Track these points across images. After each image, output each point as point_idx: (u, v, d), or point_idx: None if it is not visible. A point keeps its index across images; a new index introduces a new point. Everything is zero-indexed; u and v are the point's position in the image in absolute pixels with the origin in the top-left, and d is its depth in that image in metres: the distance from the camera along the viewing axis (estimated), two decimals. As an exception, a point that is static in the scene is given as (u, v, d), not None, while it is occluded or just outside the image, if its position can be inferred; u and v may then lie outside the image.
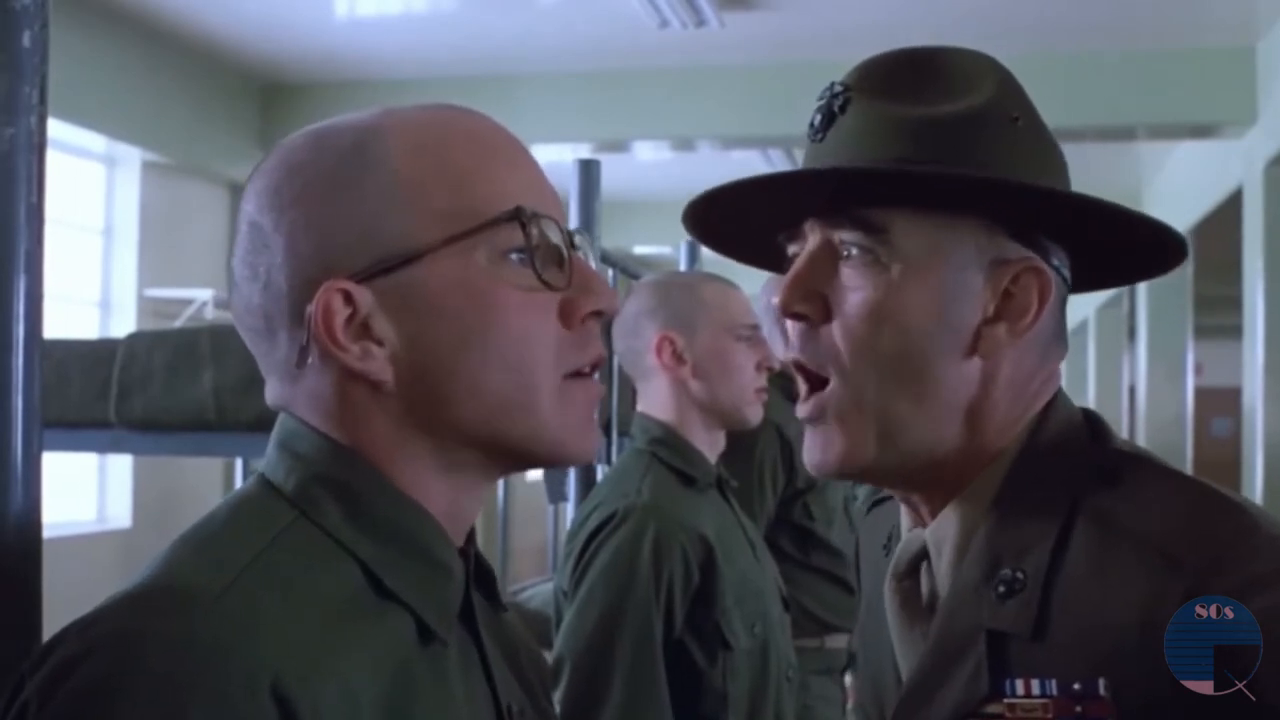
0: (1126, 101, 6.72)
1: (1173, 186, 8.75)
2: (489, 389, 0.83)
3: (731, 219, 1.05)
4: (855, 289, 0.94)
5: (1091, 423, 0.98)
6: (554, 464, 0.91)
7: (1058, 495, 0.92)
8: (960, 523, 0.96)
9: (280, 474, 0.85)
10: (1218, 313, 10.38)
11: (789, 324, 0.99)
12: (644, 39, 6.45)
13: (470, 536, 0.91)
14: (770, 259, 1.05)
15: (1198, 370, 9.56)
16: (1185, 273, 8.93)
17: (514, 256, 0.84)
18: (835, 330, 0.95)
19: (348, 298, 0.82)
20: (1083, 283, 1.03)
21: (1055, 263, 0.97)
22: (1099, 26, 6.29)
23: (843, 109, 0.97)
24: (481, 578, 0.93)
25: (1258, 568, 0.81)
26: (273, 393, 0.88)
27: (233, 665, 0.71)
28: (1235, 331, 7.18)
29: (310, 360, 0.83)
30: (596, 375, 0.90)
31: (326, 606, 0.78)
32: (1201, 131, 7.04)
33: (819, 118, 0.98)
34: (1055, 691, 0.86)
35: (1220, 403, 11.71)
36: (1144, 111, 6.80)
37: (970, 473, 0.96)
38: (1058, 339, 0.99)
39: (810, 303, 0.96)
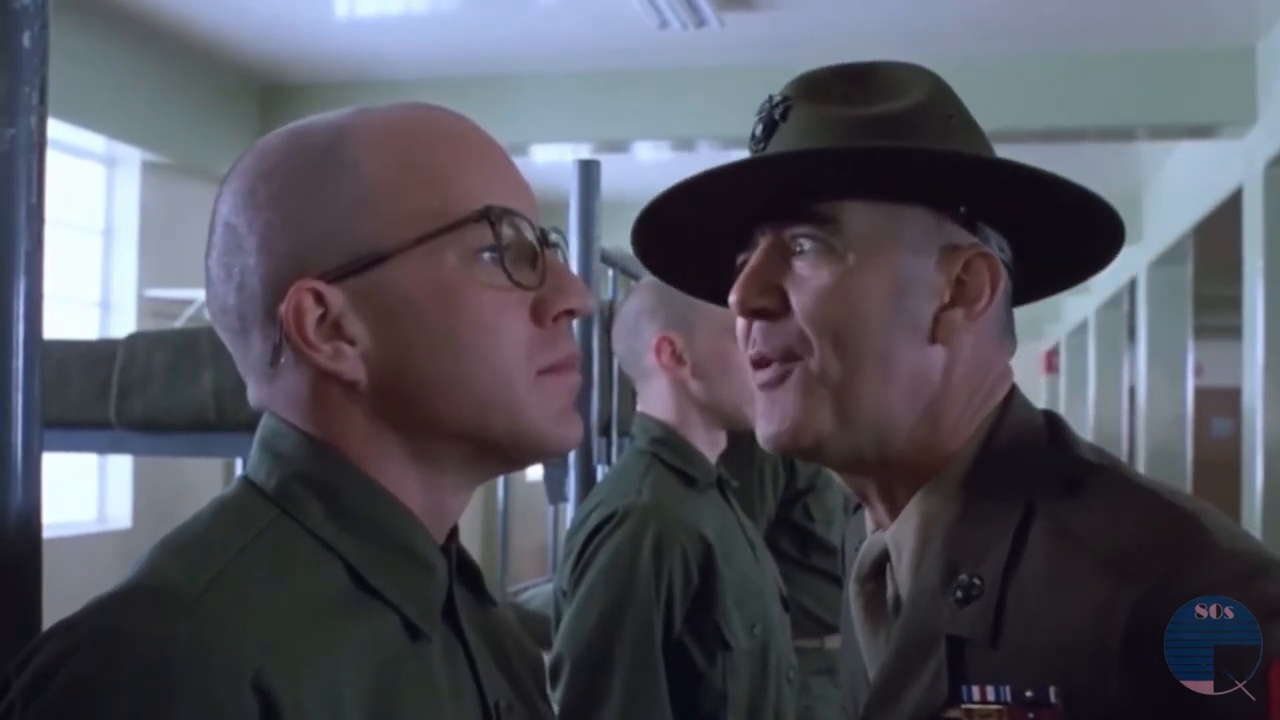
0: (1126, 102, 6.71)
1: (1173, 187, 8.75)
2: (462, 388, 0.83)
3: (680, 236, 1.05)
4: (812, 278, 0.95)
5: (1052, 425, 0.99)
6: (538, 457, 0.90)
7: (1014, 500, 0.92)
8: (919, 525, 0.96)
9: (262, 473, 0.85)
10: (1218, 313, 10.39)
11: (741, 323, 1.00)
12: (644, 39, 6.45)
13: (453, 533, 0.91)
14: (712, 289, 1.05)
15: (1198, 370, 9.57)
16: (1185, 273, 8.94)
17: (485, 256, 0.84)
18: (797, 319, 0.96)
19: (319, 298, 0.82)
20: (1029, 291, 1.04)
21: (1001, 255, 0.98)
22: (1099, 27, 6.29)
23: (784, 117, 0.98)
24: (465, 574, 0.93)
25: (1209, 579, 0.81)
26: (253, 393, 0.88)
27: (215, 663, 0.71)
28: (1235, 332, 7.18)
29: (284, 360, 0.83)
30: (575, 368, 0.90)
31: (308, 604, 0.78)
32: (1201, 132, 7.03)
33: (760, 128, 0.99)
34: (1009, 698, 0.86)
35: (1220, 403, 11.72)
36: (1144, 112, 6.80)
37: (925, 470, 0.97)
38: (1007, 331, 1.01)
39: (768, 296, 0.97)
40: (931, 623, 0.92)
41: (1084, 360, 12.30)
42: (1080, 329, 12.54)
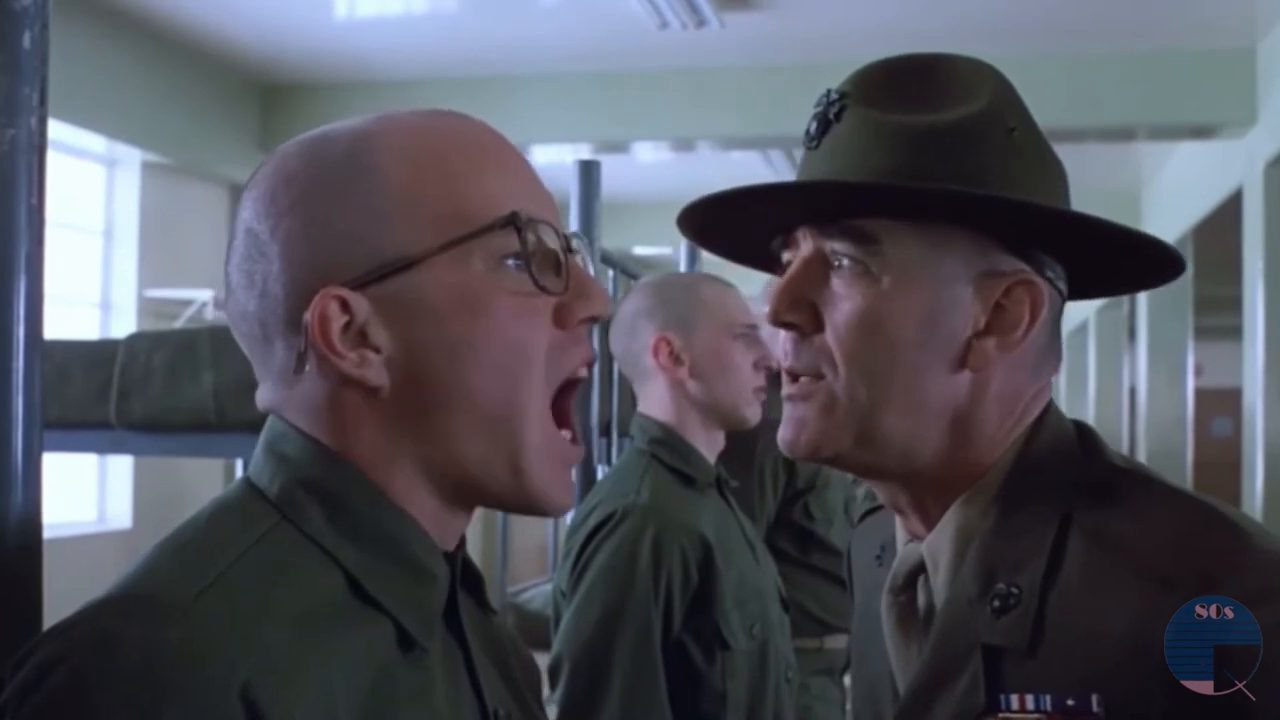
0: (1127, 102, 6.72)
1: (1173, 187, 8.75)
2: (481, 397, 0.83)
3: (727, 223, 1.05)
4: (845, 299, 0.94)
5: (1083, 436, 0.98)
6: (527, 512, 0.89)
7: (1051, 509, 0.92)
8: (955, 536, 0.96)
9: (265, 477, 0.84)
10: (1218, 313, 10.38)
11: (781, 334, 0.99)
12: (644, 40, 6.45)
13: (460, 541, 0.91)
14: (767, 260, 1.04)
15: (1198, 371, 9.56)
16: (1185, 274, 8.93)
17: (510, 262, 0.84)
18: (828, 339, 0.95)
19: (344, 305, 0.82)
20: (1082, 291, 1.02)
21: (1050, 275, 0.96)
22: (1100, 27, 6.29)
23: (838, 116, 0.96)
24: (469, 581, 0.93)
25: (1251, 584, 0.81)
26: (265, 396, 0.88)
27: (204, 669, 0.71)
28: (1235, 332, 7.18)
29: (307, 367, 0.83)
30: (582, 389, 0.90)
31: (304, 612, 0.77)
32: (1202, 132, 7.04)
33: (814, 125, 0.98)
34: (1049, 707, 0.86)
35: (1220, 403, 11.71)
36: (1145, 112, 6.81)
37: (960, 483, 0.96)
38: (1051, 352, 0.99)
39: (799, 311, 0.96)
40: (967, 632, 0.91)
41: (1084, 360, 12.29)
42: (1080, 329, 12.53)
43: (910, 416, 0.94)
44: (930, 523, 0.98)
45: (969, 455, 0.96)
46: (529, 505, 0.88)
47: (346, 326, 0.82)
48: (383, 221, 0.82)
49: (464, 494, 0.87)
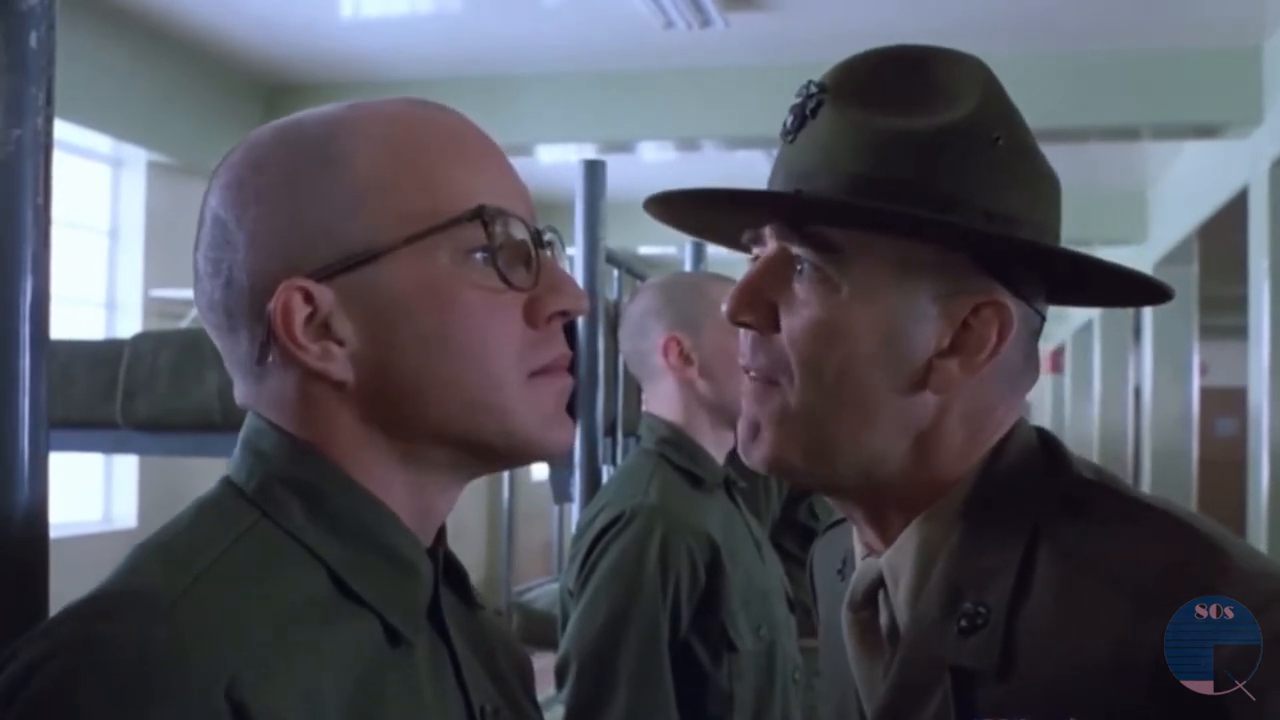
0: (1131, 102, 6.70)
1: (1178, 187, 8.74)
2: (453, 389, 0.82)
3: (699, 213, 1.03)
4: (803, 305, 0.91)
5: (1047, 447, 0.95)
6: (527, 460, 0.89)
7: (1018, 526, 0.88)
8: (918, 551, 0.93)
9: (243, 475, 0.84)
10: (1223, 313, 10.38)
11: (741, 332, 0.97)
12: (649, 39, 6.45)
13: (440, 536, 0.90)
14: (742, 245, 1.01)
15: (1203, 370, 9.56)
16: (1190, 273, 8.94)
17: (478, 256, 0.83)
18: (783, 343, 0.92)
19: (308, 296, 0.81)
20: (1067, 300, 1.00)
21: (1026, 293, 0.92)
22: (1104, 27, 6.28)
23: (814, 112, 0.93)
24: (452, 577, 0.92)
25: (1244, 601, 0.79)
26: (239, 391, 0.87)
27: (189, 668, 0.70)
28: (1240, 332, 7.17)
29: (271, 359, 0.82)
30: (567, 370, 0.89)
31: (288, 609, 0.77)
32: (1207, 131, 7.02)
33: (791, 119, 0.95)
34: None
35: (1225, 403, 11.71)
36: (1149, 112, 6.79)
37: (922, 500, 0.93)
38: (1026, 370, 0.95)
39: (757, 312, 0.94)
40: (934, 653, 0.88)
41: (1089, 360, 12.29)
42: (1085, 329, 12.54)
43: (866, 433, 0.91)
44: (888, 538, 0.95)
45: (932, 473, 0.93)
46: (527, 457, 0.88)
47: (310, 318, 0.81)
48: (349, 212, 0.81)
49: (456, 466, 0.86)
